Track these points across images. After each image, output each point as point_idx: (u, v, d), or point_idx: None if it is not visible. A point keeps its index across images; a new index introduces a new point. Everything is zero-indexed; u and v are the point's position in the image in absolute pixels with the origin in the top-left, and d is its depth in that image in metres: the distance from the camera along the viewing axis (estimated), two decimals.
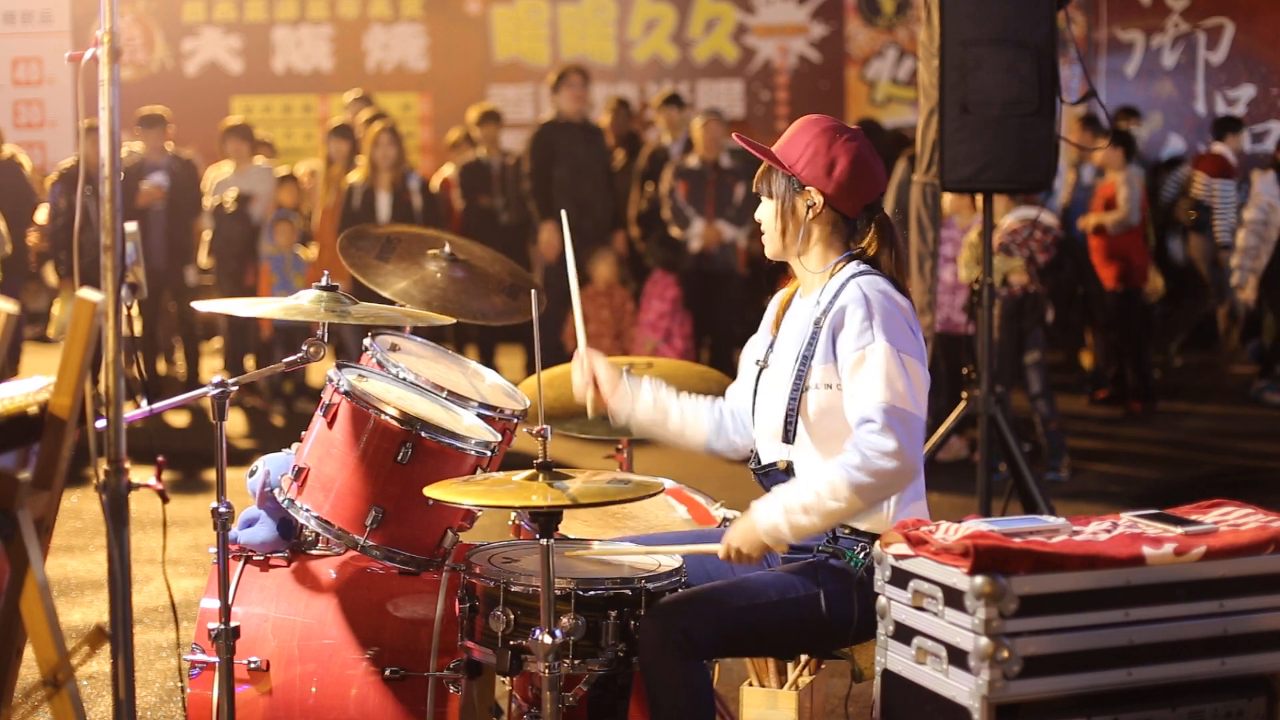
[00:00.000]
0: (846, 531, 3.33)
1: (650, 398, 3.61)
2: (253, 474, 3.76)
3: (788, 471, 3.36)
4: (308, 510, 3.52)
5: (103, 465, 2.67)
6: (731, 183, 10.07)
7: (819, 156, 3.36)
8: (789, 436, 3.35)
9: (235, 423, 10.05)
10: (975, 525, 2.94)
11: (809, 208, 3.38)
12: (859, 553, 3.29)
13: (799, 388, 3.32)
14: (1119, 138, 10.17)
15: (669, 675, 3.15)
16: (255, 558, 3.76)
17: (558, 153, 9.92)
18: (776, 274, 3.69)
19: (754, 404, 3.49)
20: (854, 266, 3.37)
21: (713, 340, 10.41)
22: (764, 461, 3.44)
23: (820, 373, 3.30)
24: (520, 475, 3.22)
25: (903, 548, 2.98)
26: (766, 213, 3.45)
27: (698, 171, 10.09)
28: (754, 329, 3.65)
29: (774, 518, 3.23)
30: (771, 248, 3.47)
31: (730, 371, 4.38)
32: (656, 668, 3.17)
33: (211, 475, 8.10)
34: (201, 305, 3.74)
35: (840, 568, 3.31)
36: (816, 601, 3.26)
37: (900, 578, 2.99)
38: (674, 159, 10.44)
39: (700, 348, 10.36)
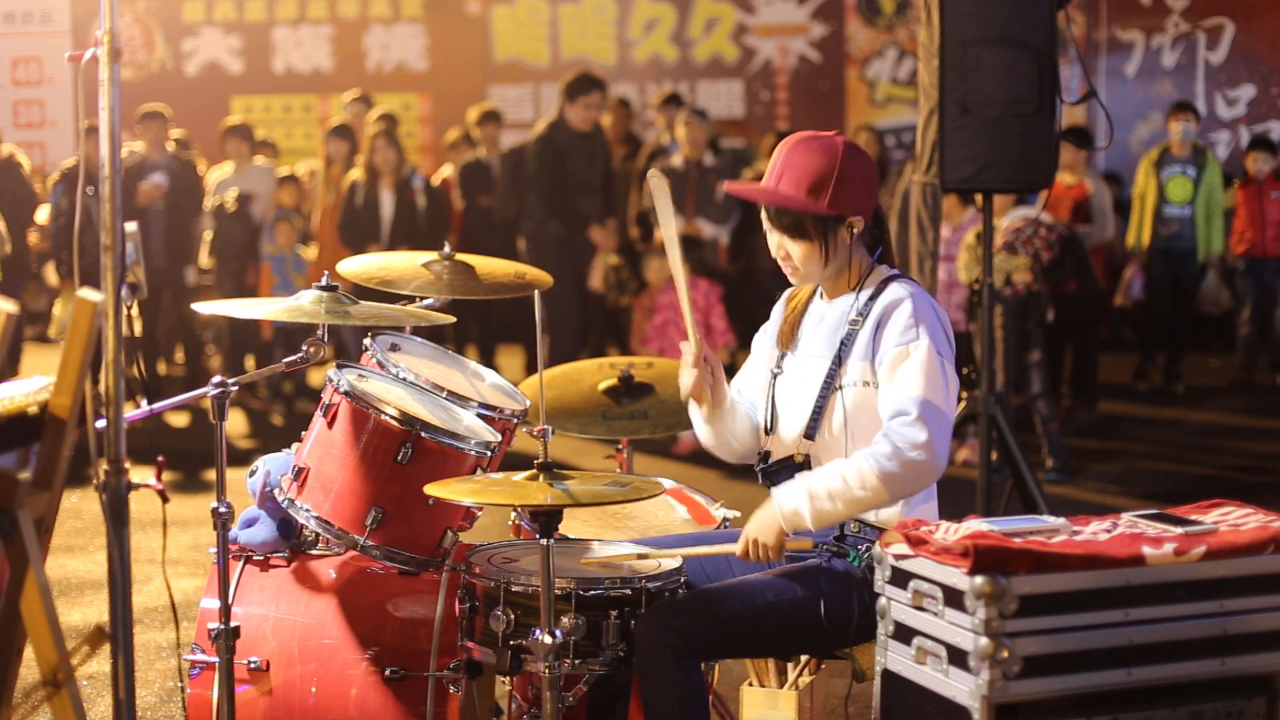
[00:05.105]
0: (855, 529, 3.32)
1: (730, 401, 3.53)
2: (253, 474, 3.77)
3: (803, 465, 3.33)
4: (308, 510, 3.52)
5: (103, 465, 2.67)
6: (713, 181, 10.05)
7: (848, 184, 3.29)
8: (811, 433, 3.33)
9: (235, 423, 10.04)
10: (975, 525, 2.94)
11: (850, 233, 3.34)
12: (863, 552, 3.28)
13: (830, 386, 3.31)
14: (1082, 139, 9.88)
15: (663, 677, 3.14)
16: (255, 558, 3.75)
17: (564, 162, 9.84)
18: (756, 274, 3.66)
19: (772, 402, 3.46)
20: (885, 270, 3.38)
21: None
22: (778, 457, 3.41)
23: (858, 369, 3.28)
24: (520, 475, 3.22)
25: (903, 548, 2.98)
26: (804, 253, 3.34)
27: (680, 171, 10.09)
28: (744, 324, 3.61)
29: (797, 502, 3.21)
30: (809, 280, 3.41)
31: (728, 369, 4.36)
32: (651, 669, 3.16)
33: (211, 475, 8.09)
34: (201, 307, 3.71)
35: (841, 569, 3.31)
36: (815, 605, 3.25)
37: (900, 578, 2.99)
38: (659, 158, 10.45)
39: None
